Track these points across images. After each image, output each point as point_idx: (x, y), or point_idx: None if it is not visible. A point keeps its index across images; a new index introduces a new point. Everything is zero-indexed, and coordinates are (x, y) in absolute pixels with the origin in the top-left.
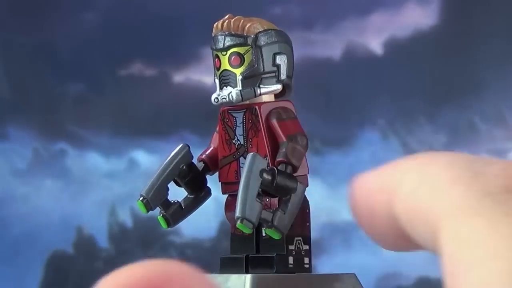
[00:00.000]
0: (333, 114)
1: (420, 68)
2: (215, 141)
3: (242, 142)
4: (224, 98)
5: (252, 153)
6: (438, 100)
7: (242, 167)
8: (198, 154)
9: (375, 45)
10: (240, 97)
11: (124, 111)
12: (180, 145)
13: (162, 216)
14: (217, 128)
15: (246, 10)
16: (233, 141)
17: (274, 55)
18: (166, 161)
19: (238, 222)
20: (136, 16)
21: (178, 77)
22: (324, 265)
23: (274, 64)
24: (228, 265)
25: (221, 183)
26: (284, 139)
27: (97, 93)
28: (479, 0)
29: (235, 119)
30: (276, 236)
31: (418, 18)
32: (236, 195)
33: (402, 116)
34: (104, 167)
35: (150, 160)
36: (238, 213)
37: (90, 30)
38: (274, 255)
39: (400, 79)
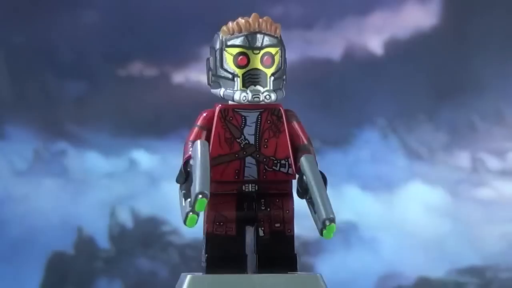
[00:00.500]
0: (332, 113)
1: (420, 67)
2: (201, 137)
3: (251, 142)
4: (257, 97)
5: (309, 155)
6: (437, 99)
7: (248, 167)
8: None
9: (375, 44)
10: (276, 97)
11: (124, 111)
12: (202, 141)
13: (195, 214)
14: (200, 124)
15: (246, 10)
16: (238, 140)
17: (285, 58)
18: (201, 158)
19: (329, 223)
20: (136, 16)
21: (178, 77)
22: (323, 265)
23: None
24: (222, 265)
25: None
26: (306, 141)
27: (97, 93)
28: (479, 0)
29: (244, 118)
30: (332, 234)
31: (418, 18)
32: (230, 194)
33: (402, 115)
34: (104, 167)
35: (150, 160)
36: (329, 214)
37: (90, 30)
38: (296, 254)
39: (399, 79)
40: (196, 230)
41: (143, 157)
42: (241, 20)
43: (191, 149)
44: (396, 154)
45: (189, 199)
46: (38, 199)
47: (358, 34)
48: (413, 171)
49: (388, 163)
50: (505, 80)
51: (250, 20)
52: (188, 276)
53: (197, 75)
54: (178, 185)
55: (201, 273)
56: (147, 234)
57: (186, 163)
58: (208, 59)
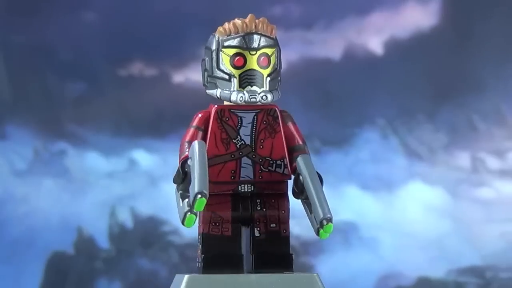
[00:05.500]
0: (332, 113)
1: (420, 67)
2: (197, 137)
3: (247, 142)
4: (254, 97)
5: (305, 155)
6: (437, 99)
7: (244, 167)
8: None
9: (375, 44)
10: (273, 98)
11: (124, 111)
12: (199, 142)
13: (193, 214)
14: (196, 124)
15: (246, 10)
16: (234, 141)
17: (281, 59)
18: (199, 158)
19: (326, 223)
20: (136, 16)
21: (178, 77)
22: (323, 265)
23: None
24: (218, 265)
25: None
26: (301, 142)
27: (97, 93)
28: (479, 0)
29: (241, 118)
30: (328, 234)
31: (418, 18)
32: (225, 195)
33: (402, 115)
34: (104, 167)
35: (150, 160)
36: (326, 214)
37: (90, 30)
38: (291, 254)
39: (399, 79)
40: (196, 230)
41: (143, 157)
42: (237, 21)
43: (187, 149)
44: (396, 154)
45: (186, 199)
46: (38, 199)
47: (358, 34)
48: (413, 171)
49: (388, 163)
50: (505, 80)
51: (247, 20)
52: (186, 276)
53: (197, 75)
54: (175, 185)
55: (197, 274)
56: (147, 234)
57: (183, 163)
58: (203, 60)
